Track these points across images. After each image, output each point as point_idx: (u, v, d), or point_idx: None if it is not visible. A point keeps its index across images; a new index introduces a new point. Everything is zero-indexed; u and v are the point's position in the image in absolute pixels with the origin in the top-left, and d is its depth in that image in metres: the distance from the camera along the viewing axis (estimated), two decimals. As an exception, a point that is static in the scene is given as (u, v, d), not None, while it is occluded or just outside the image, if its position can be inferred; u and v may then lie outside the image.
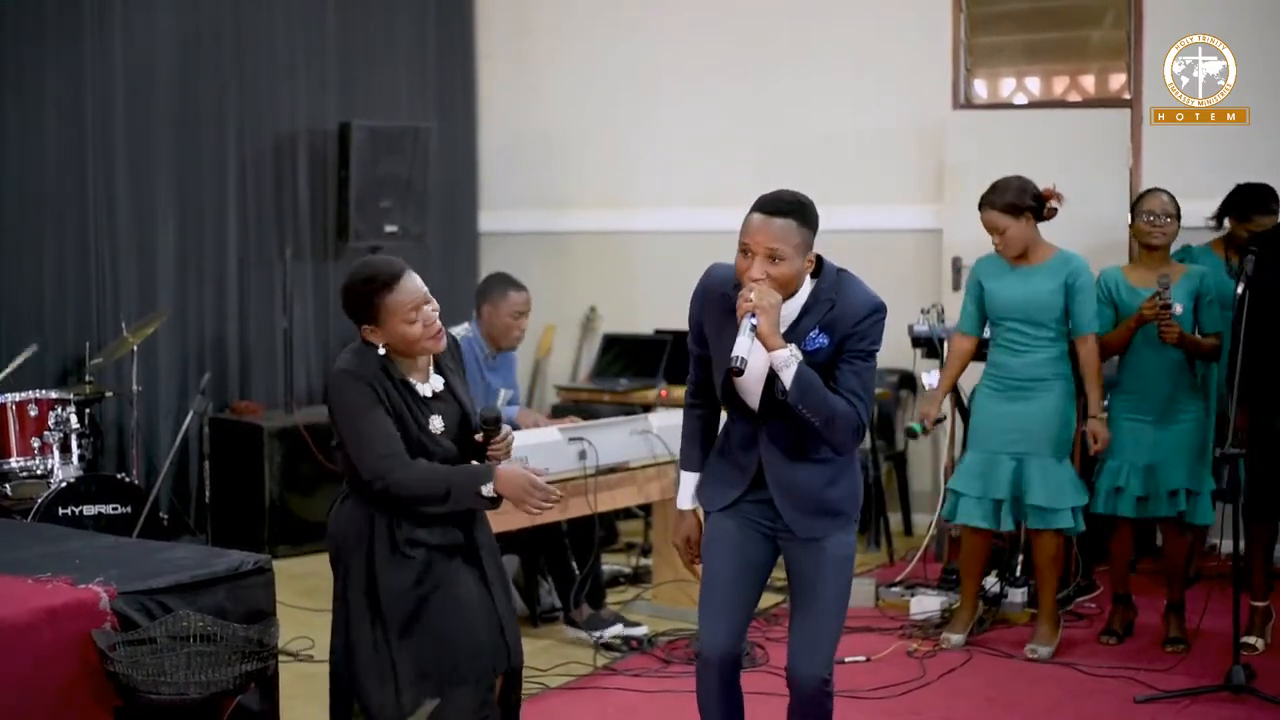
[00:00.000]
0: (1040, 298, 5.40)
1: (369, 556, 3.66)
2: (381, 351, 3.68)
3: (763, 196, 3.55)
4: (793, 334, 3.53)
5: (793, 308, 3.56)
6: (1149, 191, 5.65)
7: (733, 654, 3.70)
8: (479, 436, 3.77)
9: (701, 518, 3.84)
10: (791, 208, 3.50)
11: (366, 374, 3.63)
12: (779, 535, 3.71)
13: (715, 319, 3.64)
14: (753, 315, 3.42)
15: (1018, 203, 5.36)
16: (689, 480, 3.84)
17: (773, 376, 3.52)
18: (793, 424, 3.58)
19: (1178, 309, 5.44)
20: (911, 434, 5.89)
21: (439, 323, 3.71)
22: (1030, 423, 5.41)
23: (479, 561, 3.77)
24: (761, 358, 3.51)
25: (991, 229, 5.42)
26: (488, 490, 3.61)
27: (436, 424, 3.72)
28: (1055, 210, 5.43)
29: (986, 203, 5.42)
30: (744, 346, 3.41)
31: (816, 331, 3.54)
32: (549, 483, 3.71)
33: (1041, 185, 5.44)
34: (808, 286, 3.58)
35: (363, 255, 7.97)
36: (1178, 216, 5.54)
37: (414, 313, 3.65)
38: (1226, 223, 6.10)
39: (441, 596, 3.67)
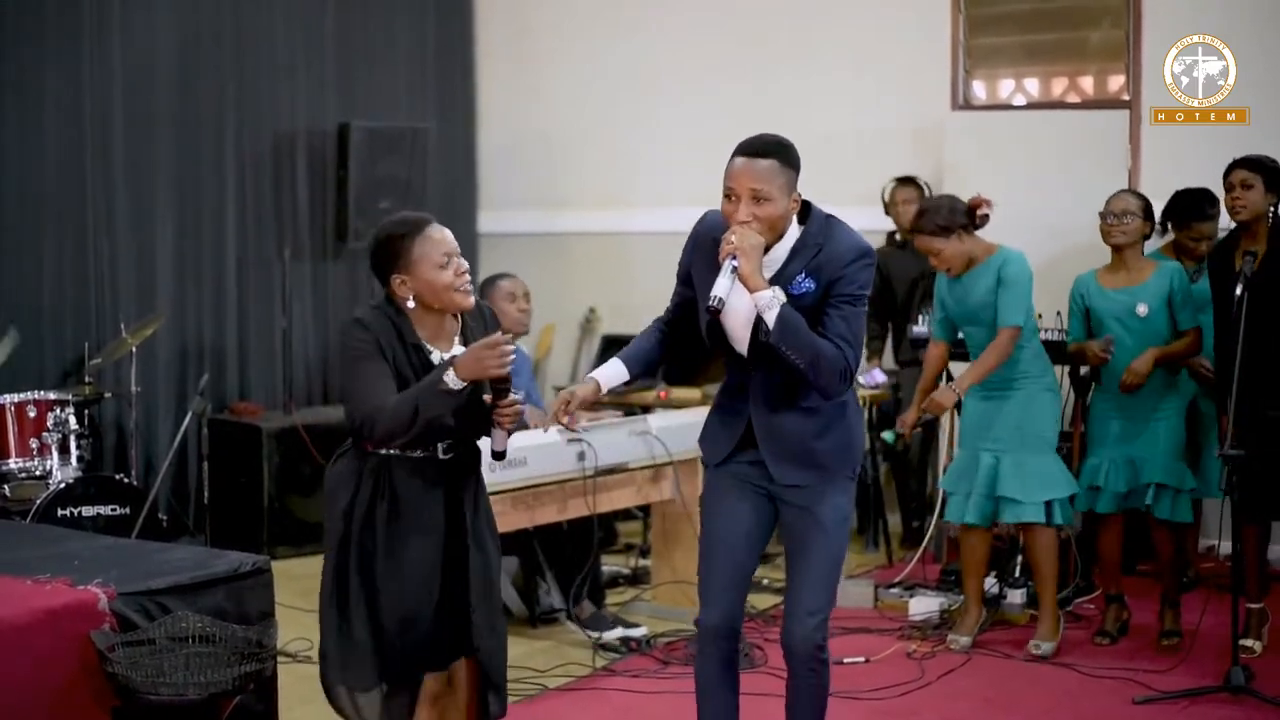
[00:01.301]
0: (980, 300, 5.48)
1: (349, 508, 3.66)
2: (411, 305, 3.65)
3: (743, 140, 3.58)
4: (780, 278, 3.54)
5: (780, 252, 3.58)
6: (1116, 193, 5.73)
7: (731, 624, 3.71)
8: (487, 397, 3.71)
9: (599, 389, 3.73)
10: (773, 148, 3.54)
11: (376, 327, 3.62)
12: (775, 497, 3.72)
13: (703, 265, 3.65)
14: (734, 257, 3.44)
15: (947, 224, 5.44)
16: (613, 363, 3.76)
17: (759, 321, 3.53)
18: (780, 371, 3.59)
19: (1145, 308, 5.51)
20: (887, 444, 5.86)
21: (469, 276, 3.69)
22: (1006, 419, 5.49)
23: (464, 539, 3.73)
24: (747, 301, 3.53)
25: (927, 253, 5.54)
26: (451, 381, 3.53)
27: None
28: (987, 216, 5.50)
29: (916, 229, 5.53)
30: (723, 287, 3.43)
31: (803, 275, 3.56)
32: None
33: (966, 196, 5.54)
34: (795, 231, 3.60)
35: (362, 256, 7.99)
36: (1143, 215, 5.58)
37: (446, 258, 3.65)
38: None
39: (392, 564, 3.64)
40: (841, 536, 3.75)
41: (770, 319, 3.47)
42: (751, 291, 3.47)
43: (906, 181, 7.28)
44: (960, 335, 5.74)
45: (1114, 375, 5.60)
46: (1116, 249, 5.62)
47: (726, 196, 3.54)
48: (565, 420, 3.68)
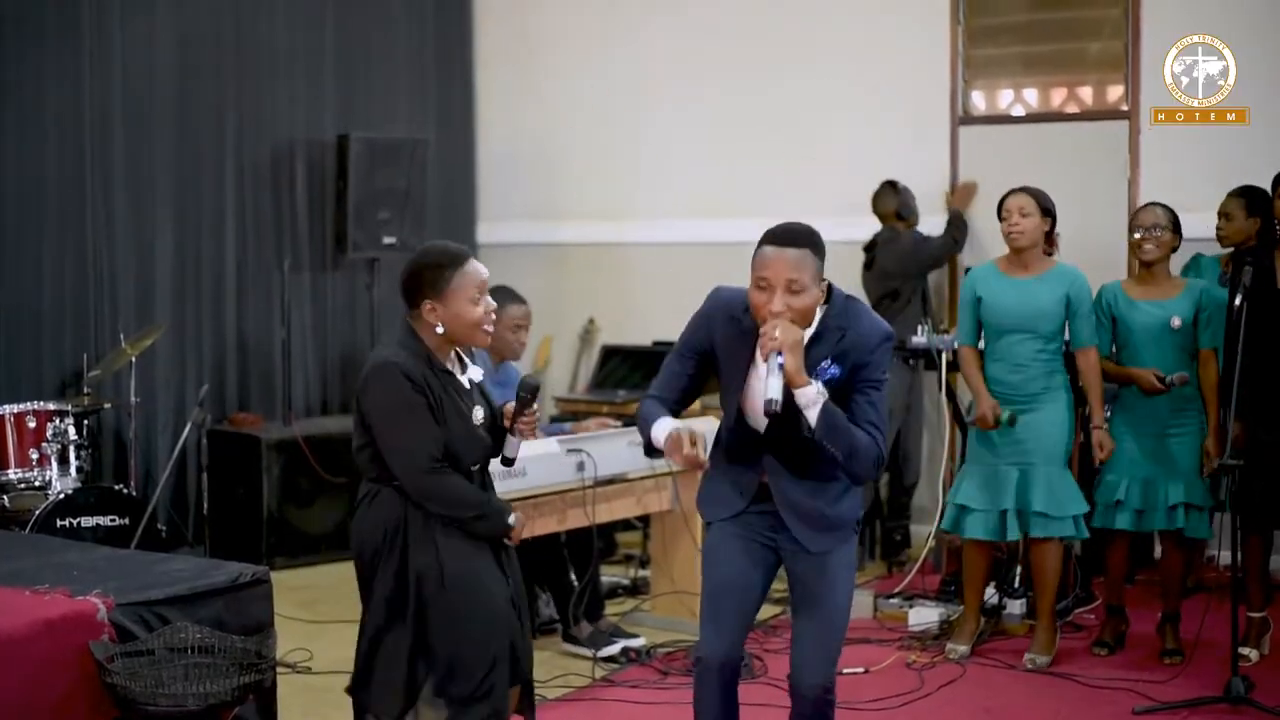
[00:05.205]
0: (1042, 308, 5.43)
1: (403, 551, 3.68)
2: (440, 330, 3.70)
3: (771, 229, 3.55)
4: (805, 362, 3.51)
5: (805, 335, 3.55)
6: (1144, 206, 5.68)
7: (732, 660, 3.70)
8: (508, 406, 3.84)
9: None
10: (804, 237, 3.51)
11: (412, 368, 3.64)
12: (781, 547, 3.73)
13: (728, 343, 3.65)
14: (779, 354, 3.42)
15: (1046, 205, 5.47)
16: (664, 422, 3.62)
17: (789, 414, 3.51)
18: (799, 448, 3.59)
19: (1179, 321, 5.48)
20: (1013, 421, 5.60)
21: (494, 315, 3.76)
22: (1033, 433, 5.44)
23: (502, 561, 3.81)
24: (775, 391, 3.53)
25: (1014, 210, 5.44)
26: (512, 519, 3.76)
27: (479, 414, 3.78)
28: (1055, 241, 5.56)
29: (1021, 189, 5.48)
30: (775, 388, 3.40)
31: (829, 361, 3.55)
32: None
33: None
34: (817, 314, 3.59)
35: (361, 267, 8.03)
36: (1173, 229, 5.54)
37: (479, 293, 3.71)
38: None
39: (474, 592, 3.70)
40: (850, 582, 3.77)
41: (813, 417, 3.47)
42: (795, 388, 3.45)
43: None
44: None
45: (1133, 392, 5.55)
46: (1147, 264, 5.56)
47: (758, 286, 3.50)
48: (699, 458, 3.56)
